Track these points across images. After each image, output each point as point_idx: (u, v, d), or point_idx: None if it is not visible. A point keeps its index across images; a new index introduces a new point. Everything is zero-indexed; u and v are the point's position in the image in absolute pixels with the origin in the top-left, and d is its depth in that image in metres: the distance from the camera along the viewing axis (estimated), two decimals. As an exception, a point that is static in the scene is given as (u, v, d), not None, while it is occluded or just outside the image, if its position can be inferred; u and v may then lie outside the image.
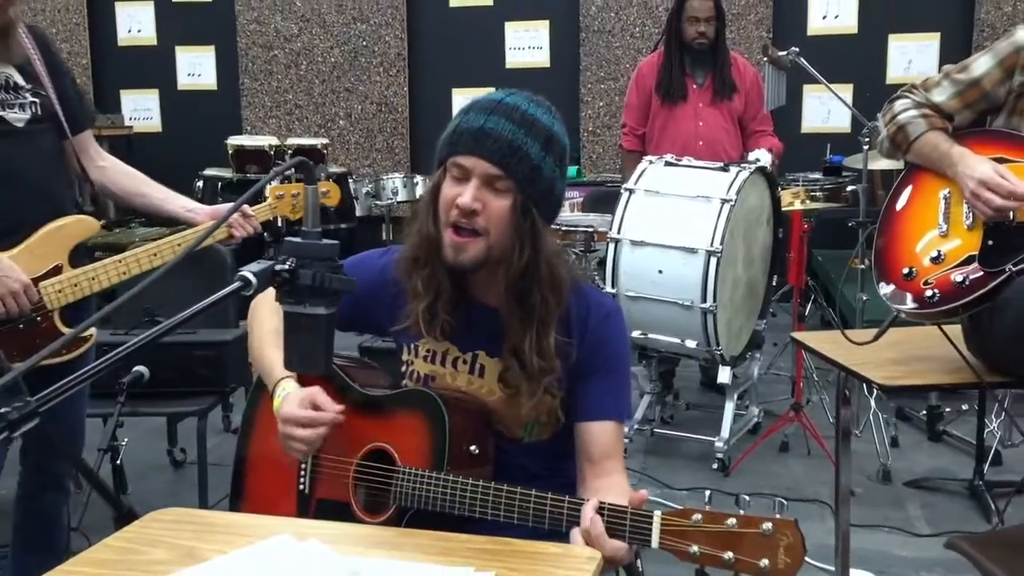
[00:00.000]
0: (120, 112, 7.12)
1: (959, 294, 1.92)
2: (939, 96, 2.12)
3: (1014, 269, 1.87)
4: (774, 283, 4.01)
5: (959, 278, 1.93)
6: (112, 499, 1.38)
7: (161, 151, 6.93)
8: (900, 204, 2.11)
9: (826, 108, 6.34)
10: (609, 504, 1.37)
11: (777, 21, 6.38)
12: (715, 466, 3.65)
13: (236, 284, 1.08)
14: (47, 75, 2.27)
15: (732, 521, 1.29)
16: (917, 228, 2.05)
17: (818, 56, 6.13)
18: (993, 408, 3.72)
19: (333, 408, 1.54)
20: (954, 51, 5.80)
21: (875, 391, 3.86)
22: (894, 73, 6.29)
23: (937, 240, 2.00)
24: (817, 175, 5.40)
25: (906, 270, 2.01)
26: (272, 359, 1.65)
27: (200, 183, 5.75)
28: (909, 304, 1.98)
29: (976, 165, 1.96)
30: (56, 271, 2.22)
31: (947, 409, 4.03)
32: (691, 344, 3.61)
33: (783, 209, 3.92)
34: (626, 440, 3.82)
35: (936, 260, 1.98)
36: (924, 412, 4.04)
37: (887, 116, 2.17)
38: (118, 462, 3.09)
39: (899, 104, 2.16)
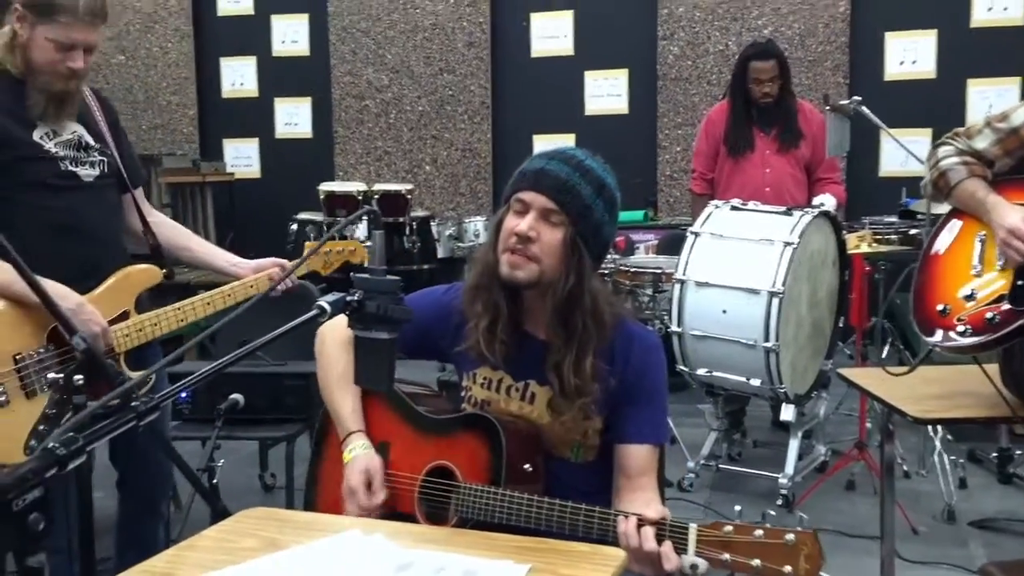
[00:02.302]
0: (223, 160, 7.57)
1: (990, 331, 2.03)
2: (980, 143, 2.24)
3: (1041, 308, 1.97)
4: (841, 324, 4.10)
5: (990, 315, 2.04)
6: (210, 498, 1.62)
7: (259, 196, 7.36)
8: (940, 245, 2.23)
9: (903, 152, 6.36)
10: (649, 518, 1.54)
11: (854, 67, 6.46)
12: (779, 502, 3.73)
13: (313, 312, 1.30)
14: (110, 135, 2.49)
15: (759, 532, 1.45)
16: (953, 268, 2.17)
17: (896, 101, 6.25)
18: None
19: (381, 494, 1.77)
20: (1035, 95, 5.82)
21: (940, 431, 3.91)
22: (974, 117, 6.28)
23: (971, 279, 2.12)
24: (893, 218, 5.45)
25: (941, 307, 2.13)
26: (346, 407, 1.87)
27: (294, 226, 6.10)
28: (943, 339, 2.10)
29: (1007, 214, 2.08)
30: (124, 316, 2.37)
31: (1018, 452, 4.03)
32: (755, 382, 3.72)
33: (848, 252, 4.02)
34: (692, 475, 3.95)
35: (969, 298, 2.10)
36: (995, 454, 4.05)
37: (931, 161, 2.30)
38: (215, 481, 3.35)
39: (942, 151, 2.28)
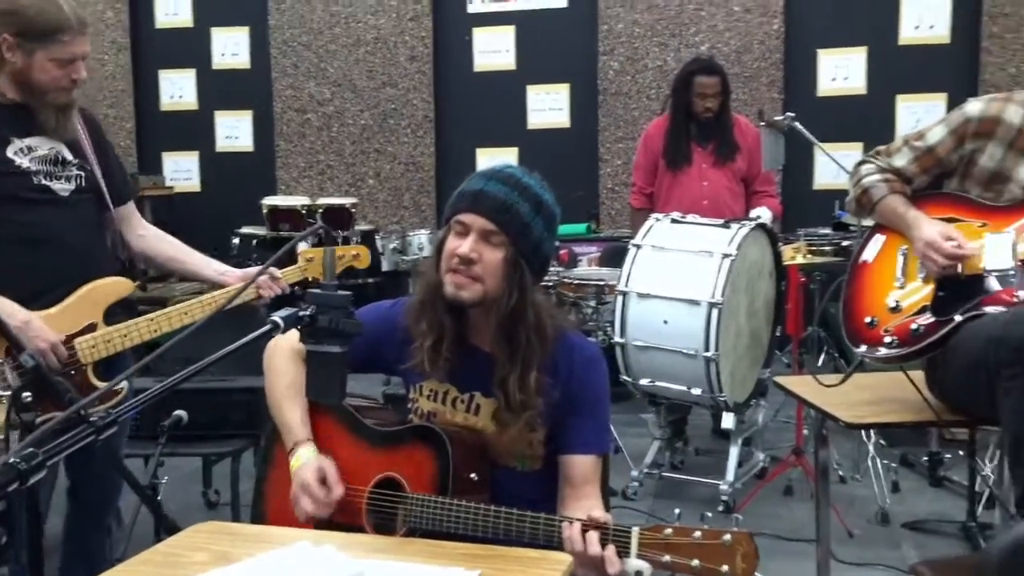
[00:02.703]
0: (162, 173, 7.49)
1: (914, 341, 2.13)
2: (899, 161, 2.35)
3: (961, 318, 2.08)
4: (777, 333, 4.21)
5: (914, 326, 2.14)
6: (159, 514, 1.63)
7: (200, 210, 7.29)
8: (865, 259, 2.33)
9: (837, 166, 6.55)
10: (594, 521, 1.59)
11: (788, 83, 6.63)
12: (720, 508, 3.81)
13: (267, 327, 1.32)
14: (93, 153, 2.52)
15: (698, 534, 1.51)
16: (879, 280, 2.27)
17: (828, 116, 6.43)
18: (987, 452, 3.86)
19: (338, 488, 1.78)
20: (958, 110, 6.02)
21: (873, 437, 4.04)
22: (903, 132, 6.47)
23: (895, 291, 2.22)
24: (827, 230, 5.60)
25: (868, 319, 2.22)
26: (294, 419, 1.89)
27: (236, 240, 6.06)
28: (871, 351, 2.19)
29: (926, 229, 2.18)
30: (91, 328, 2.40)
31: (948, 456, 4.18)
32: (696, 391, 3.80)
33: (784, 263, 4.13)
34: (636, 483, 4.02)
35: (895, 310, 2.19)
36: (926, 459, 4.19)
37: (854, 179, 2.40)
38: (159, 498, 3.33)
39: (864, 168, 2.39)
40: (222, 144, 7.56)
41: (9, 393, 1.87)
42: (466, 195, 1.82)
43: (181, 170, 7.64)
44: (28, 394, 1.57)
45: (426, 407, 1.92)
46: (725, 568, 1.46)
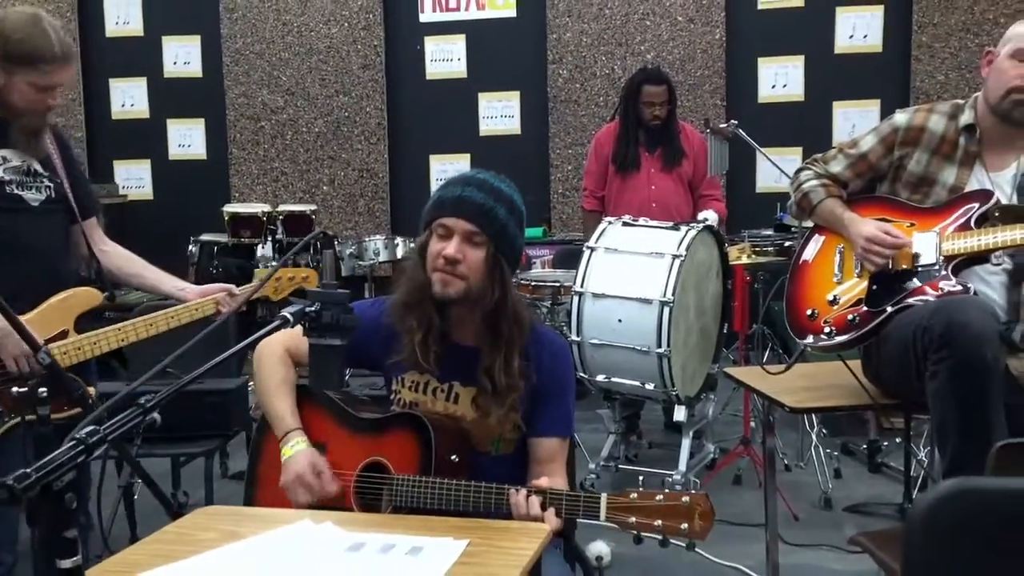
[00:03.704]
0: (114, 181, 7.50)
1: (850, 330, 2.33)
2: (835, 168, 2.56)
3: (892, 309, 2.29)
4: (725, 330, 4.42)
5: (850, 317, 2.34)
6: (165, 499, 1.75)
7: (153, 217, 7.33)
8: (805, 258, 2.54)
9: (777, 171, 6.82)
10: (566, 491, 1.78)
11: (730, 90, 6.88)
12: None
13: (277, 322, 1.47)
14: (62, 167, 2.63)
15: (660, 497, 1.69)
16: (819, 277, 2.47)
17: (769, 122, 6.70)
18: (922, 439, 4.12)
19: (330, 480, 1.92)
20: (891, 116, 6.32)
21: (816, 426, 4.28)
22: (840, 136, 6.77)
23: (833, 286, 2.43)
24: (770, 231, 5.85)
25: (809, 311, 2.42)
26: (282, 409, 2.03)
27: (195, 247, 6.12)
28: (813, 340, 2.39)
29: (863, 227, 2.39)
30: (63, 335, 2.50)
31: (885, 443, 4.43)
32: (650, 386, 3.98)
33: (730, 263, 4.34)
34: (593, 476, 4.19)
35: (833, 303, 2.40)
36: (865, 446, 4.44)
37: (794, 184, 2.61)
38: (135, 497, 3.42)
39: (803, 175, 2.60)
40: (175, 152, 7.60)
41: (26, 389, 1.97)
42: (446, 201, 1.97)
43: (133, 178, 7.65)
44: (44, 389, 1.68)
45: (408, 397, 2.07)
46: (684, 526, 1.64)
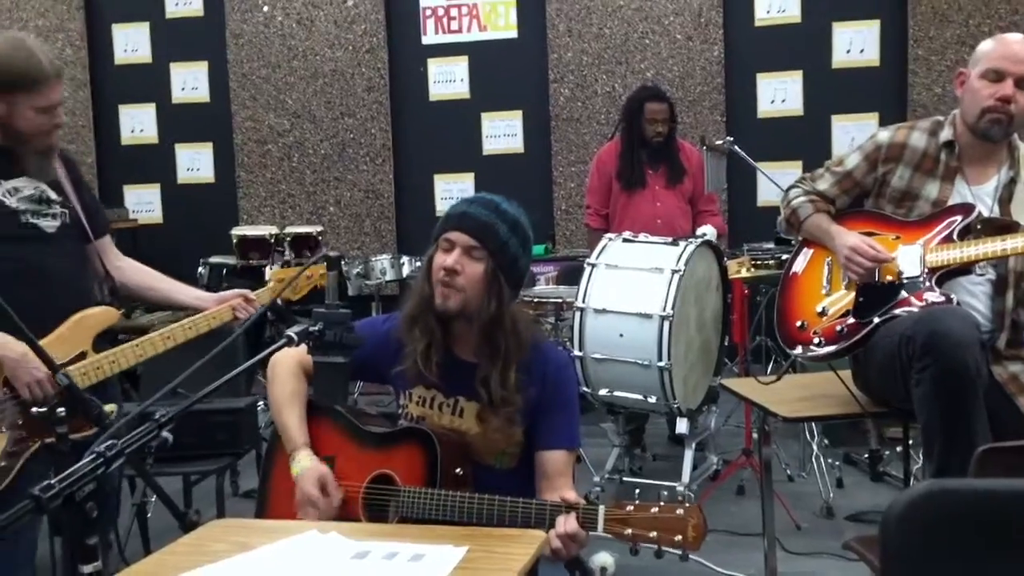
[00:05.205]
0: (124, 206, 7.61)
1: (839, 341, 2.41)
2: (823, 185, 2.65)
3: (879, 320, 2.36)
4: (726, 343, 4.49)
5: (839, 328, 2.42)
6: (178, 512, 1.83)
7: (163, 241, 7.43)
8: (795, 271, 2.61)
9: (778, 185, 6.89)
10: (565, 501, 1.84)
11: (729, 106, 6.97)
12: (678, 508, 4.06)
13: (283, 341, 1.55)
14: (72, 190, 2.69)
15: (655, 509, 1.76)
16: (807, 289, 2.55)
17: (768, 137, 6.78)
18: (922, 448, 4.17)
19: (337, 495, 2.00)
20: (889, 129, 6.40)
21: (816, 436, 4.34)
22: (839, 150, 6.82)
23: (822, 298, 2.50)
24: (771, 244, 5.92)
25: (799, 323, 2.50)
26: (292, 425, 2.10)
27: (204, 270, 6.22)
28: (803, 351, 2.46)
29: (847, 238, 2.47)
30: (81, 356, 2.54)
31: (886, 452, 4.48)
32: (652, 399, 4.05)
33: (730, 277, 4.41)
34: (597, 489, 4.25)
35: (822, 314, 2.47)
36: (867, 455, 4.49)
37: (784, 202, 2.69)
38: (149, 515, 3.50)
39: (792, 192, 2.69)
40: (183, 176, 7.71)
41: (45, 410, 2.04)
42: (452, 217, 2.08)
43: (143, 202, 7.76)
44: (62, 410, 1.76)
45: (415, 412, 2.15)
46: (678, 537, 1.71)
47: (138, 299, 2.80)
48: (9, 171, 2.54)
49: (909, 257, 2.41)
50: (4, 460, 2.30)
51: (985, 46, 2.48)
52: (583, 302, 4.10)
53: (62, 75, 2.54)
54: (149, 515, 3.51)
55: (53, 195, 2.62)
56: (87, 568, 1.11)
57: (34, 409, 2.29)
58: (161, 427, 1.30)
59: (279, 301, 2.96)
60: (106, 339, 2.67)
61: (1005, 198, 2.49)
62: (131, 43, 7.65)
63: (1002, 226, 2.36)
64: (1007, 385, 2.35)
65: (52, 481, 1.09)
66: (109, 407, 2.52)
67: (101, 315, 2.63)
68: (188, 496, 4.24)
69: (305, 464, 2.04)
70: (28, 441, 2.38)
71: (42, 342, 2.41)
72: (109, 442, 1.19)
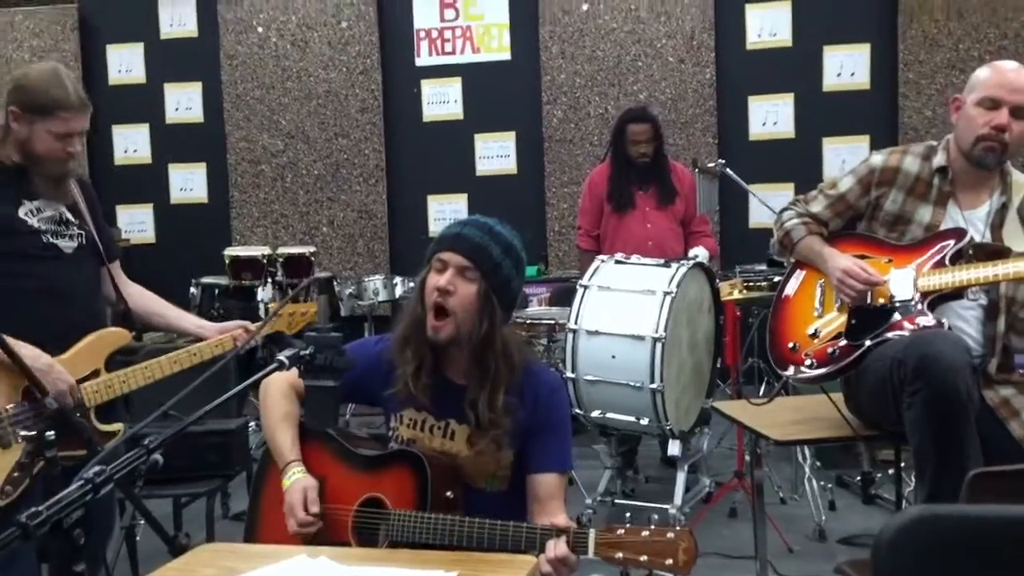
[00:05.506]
0: (116, 226, 7.60)
1: (831, 363, 2.41)
2: (816, 207, 2.65)
3: (871, 343, 2.36)
4: (718, 365, 4.48)
5: (831, 350, 2.42)
6: (167, 536, 1.82)
7: (156, 261, 7.42)
8: (787, 293, 2.62)
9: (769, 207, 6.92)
10: (556, 525, 1.83)
11: (722, 128, 7.00)
12: (670, 531, 4.04)
13: (274, 365, 1.54)
14: (88, 214, 2.77)
15: (645, 533, 1.75)
16: (800, 311, 2.55)
17: (760, 159, 6.81)
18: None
19: (315, 507, 1.99)
20: (880, 152, 6.44)
21: (809, 459, 4.33)
22: (830, 172, 6.86)
23: (814, 320, 2.51)
24: (763, 267, 5.93)
25: (791, 344, 2.50)
26: (285, 444, 2.10)
27: (196, 290, 6.20)
28: (794, 372, 2.47)
29: (840, 261, 2.48)
30: (95, 374, 2.63)
31: (879, 475, 4.48)
32: (644, 421, 4.04)
33: (722, 299, 4.42)
34: (590, 511, 4.24)
35: (814, 336, 2.48)
36: (859, 478, 4.49)
37: (777, 224, 2.70)
38: (138, 539, 3.47)
39: (786, 215, 2.69)
40: (177, 196, 7.71)
41: (33, 433, 2.05)
42: (446, 238, 2.09)
43: (135, 222, 7.76)
44: (52, 433, 1.75)
45: (406, 434, 2.14)
46: (669, 561, 1.70)
47: (143, 324, 2.88)
48: (30, 192, 2.62)
49: (901, 281, 2.41)
50: (17, 471, 2.33)
51: (981, 73, 2.49)
52: (575, 324, 4.10)
53: (87, 109, 2.62)
54: (138, 538, 3.48)
55: (71, 217, 2.71)
56: (74, 595, 1.10)
57: (22, 432, 2.30)
58: (150, 452, 1.30)
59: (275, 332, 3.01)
60: (114, 359, 2.73)
61: (997, 223, 2.50)
62: (125, 64, 7.67)
63: (994, 251, 2.37)
64: (999, 409, 2.36)
65: (40, 508, 1.08)
66: (116, 426, 2.64)
67: (116, 335, 2.72)
68: (178, 518, 4.21)
69: (296, 476, 2.03)
70: (41, 456, 2.40)
71: (60, 358, 2.54)
72: (97, 468, 1.18)
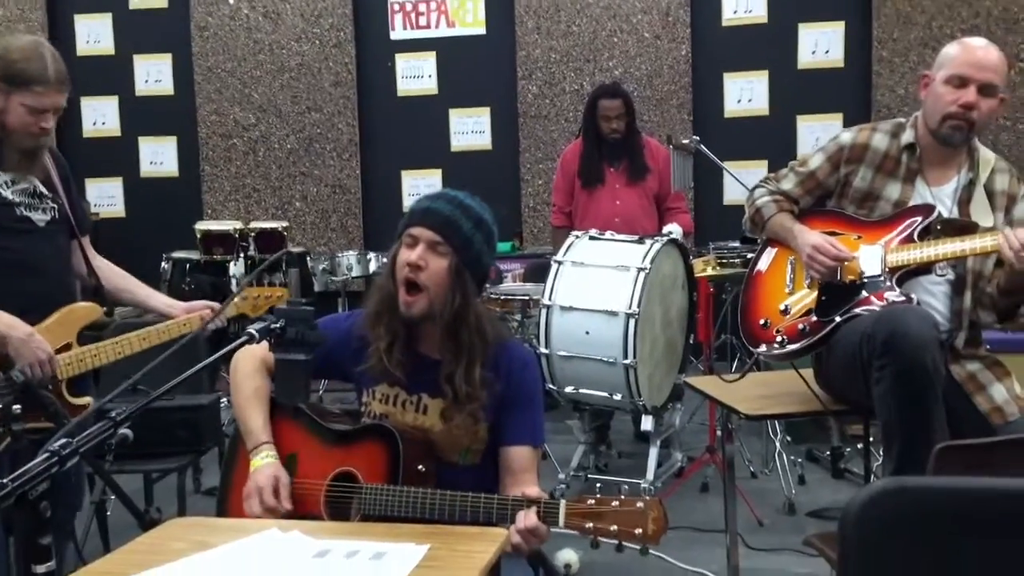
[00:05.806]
0: (85, 199, 7.50)
1: (801, 339, 2.43)
2: (786, 185, 2.66)
3: (840, 319, 2.38)
4: (691, 341, 4.51)
5: (801, 326, 2.44)
6: (137, 512, 1.81)
7: (125, 235, 7.34)
8: (759, 269, 2.63)
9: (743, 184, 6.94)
10: (527, 496, 1.83)
11: (697, 105, 7.01)
12: (641, 505, 4.08)
13: (244, 338, 1.53)
14: (61, 187, 2.75)
15: (616, 503, 1.76)
16: (770, 287, 2.57)
17: (735, 136, 6.83)
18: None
19: (287, 497, 1.99)
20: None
21: (779, 434, 4.38)
22: (804, 149, 6.89)
23: (785, 296, 2.52)
24: (736, 243, 5.96)
25: (762, 321, 2.51)
26: (255, 423, 2.09)
27: (167, 265, 6.15)
28: (766, 349, 2.48)
29: (810, 237, 2.49)
30: (67, 348, 2.63)
31: (848, 449, 4.53)
32: (617, 397, 4.06)
33: (696, 275, 4.44)
34: (563, 486, 4.27)
35: (784, 312, 2.49)
36: (828, 453, 4.54)
37: (748, 201, 2.71)
38: (108, 513, 3.45)
39: (757, 192, 2.70)
40: (147, 170, 7.63)
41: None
42: (415, 212, 2.07)
43: (105, 196, 7.68)
44: (18, 406, 1.74)
45: (378, 409, 2.14)
46: (639, 531, 1.71)
47: (112, 299, 2.87)
48: (2, 164, 2.59)
49: (870, 257, 2.43)
50: None
51: (950, 50, 2.50)
52: (549, 299, 4.10)
53: (64, 87, 2.59)
54: (109, 513, 3.46)
55: (44, 190, 2.69)
56: (40, 568, 1.09)
57: None
58: (117, 425, 1.29)
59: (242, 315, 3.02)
60: (86, 334, 2.73)
61: (964, 199, 2.52)
62: (93, 34, 7.55)
63: (961, 227, 2.39)
64: (965, 384, 2.39)
65: (4, 480, 1.07)
66: (86, 399, 2.65)
67: (87, 310, 2.72)
68: (149, 494, 4.18)
69: (267, 460, 2.03)
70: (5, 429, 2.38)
71: (35, 328, 2.52)
72: (63, 440, 1.17)
